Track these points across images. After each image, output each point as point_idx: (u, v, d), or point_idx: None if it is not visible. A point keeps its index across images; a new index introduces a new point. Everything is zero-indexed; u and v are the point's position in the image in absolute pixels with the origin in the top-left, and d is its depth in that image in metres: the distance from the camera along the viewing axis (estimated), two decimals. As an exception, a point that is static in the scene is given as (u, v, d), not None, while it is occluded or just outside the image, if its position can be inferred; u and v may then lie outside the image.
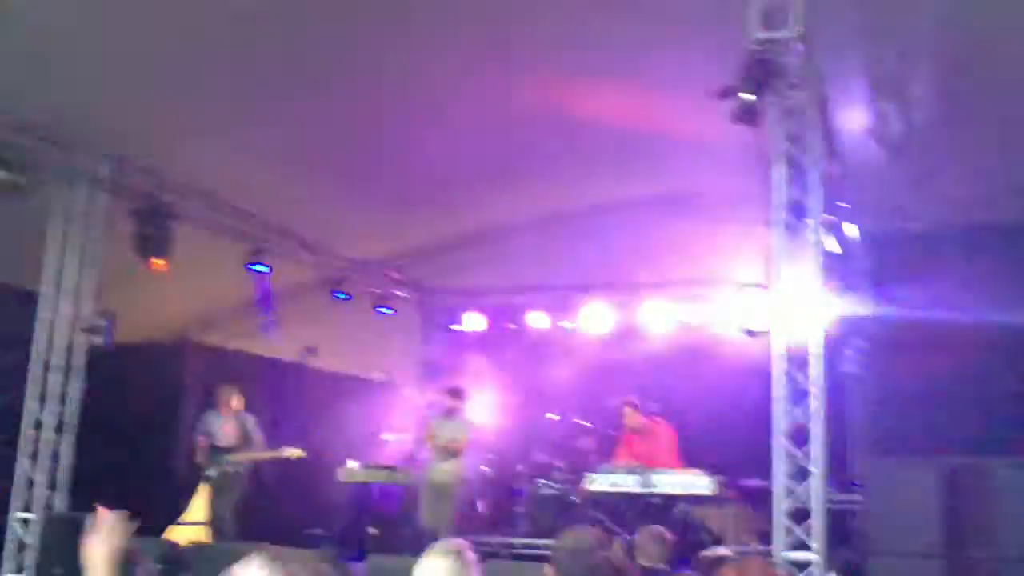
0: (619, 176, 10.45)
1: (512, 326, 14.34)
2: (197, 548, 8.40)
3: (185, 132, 9.01)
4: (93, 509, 8.40)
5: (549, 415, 12.80)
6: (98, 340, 9.40)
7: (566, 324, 13.93)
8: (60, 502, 9.19)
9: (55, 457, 9.23)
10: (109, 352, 9.63)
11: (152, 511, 10.40)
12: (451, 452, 10.69)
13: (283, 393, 13.28)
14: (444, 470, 10.63)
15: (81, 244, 9.38)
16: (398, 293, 14.10)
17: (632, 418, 10.92)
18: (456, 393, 10.96)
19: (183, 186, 9.97)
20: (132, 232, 9.46)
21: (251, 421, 11.00)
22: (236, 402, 11.01)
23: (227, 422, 10.92)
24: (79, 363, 9.43)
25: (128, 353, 11.19)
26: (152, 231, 9.47)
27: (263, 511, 12.69)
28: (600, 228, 11.55)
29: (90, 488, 9.32)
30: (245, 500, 12.46)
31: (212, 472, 10.59)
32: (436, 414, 10.86)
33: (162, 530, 10.52)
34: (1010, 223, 8.28)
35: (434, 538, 9.05)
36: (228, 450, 10.81)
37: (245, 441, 10.87)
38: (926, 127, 7.94)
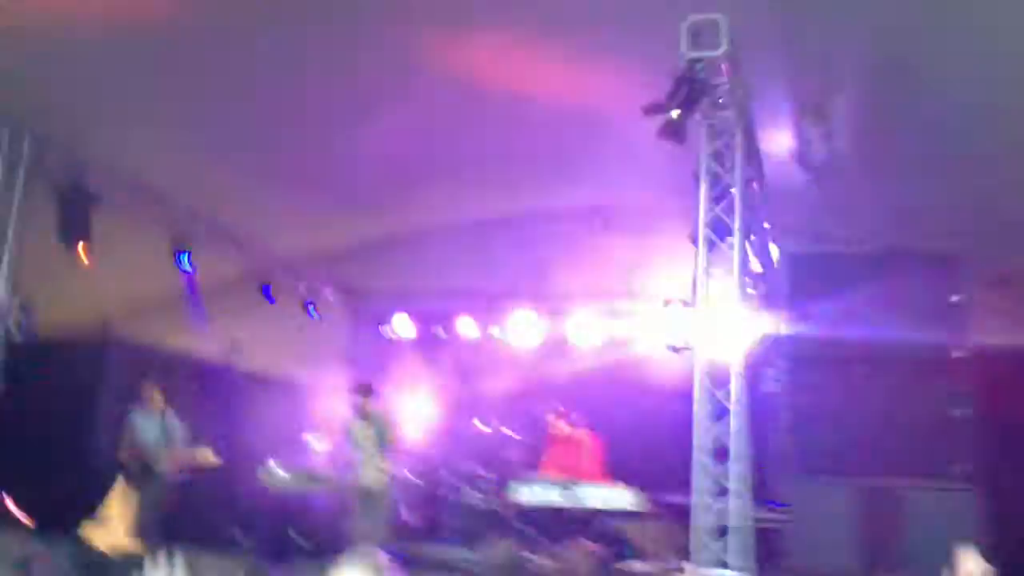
0: (551, 185, 10.51)
1: (441, 331, 14.29)
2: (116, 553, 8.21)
3: (113, 116, 8.78)
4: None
5: (476, 423, 12.77)
6: (16, 332, 9.13)
7: (495, 332, 13.92)
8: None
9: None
10: (27, 345, 9.39)
11: (69, 508, 10.24)
12: (373, 451, 10.43)
13: (206, 391, 13.07)
14: (369, 473, 10.43)
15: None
16: (326, 293, 13.97)
17: (556, 426, 10.93)
18: (364, 390, 10.68)
19: (108, 170, 9.66)
20: (54, 216, 9.16)
21: (174, 421, 10.77)
22: (160, 400, 10.77)
23: (151, 421, 10.68)
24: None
25: (47, 347, 10.94)
26: (73, 215, 9.18)
27: (183, 513, 12.51)
28: (530, 236, 11.58)
29: (5, 484, 9.12)
30: (166, 502, 12.28)
31: (135, 472, 10.34)
32: (352, 415, 10.57)
33: (76, 526, 10.31)
34: (925, 247, 8.49)
35: (361, 544, 9.01)
36: (151, 450, 10.58)
37: (168, 441, 10.64)
38: (846, 152, 8.10)
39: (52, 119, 8.90)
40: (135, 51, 7.89)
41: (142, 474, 10.23)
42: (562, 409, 11.06)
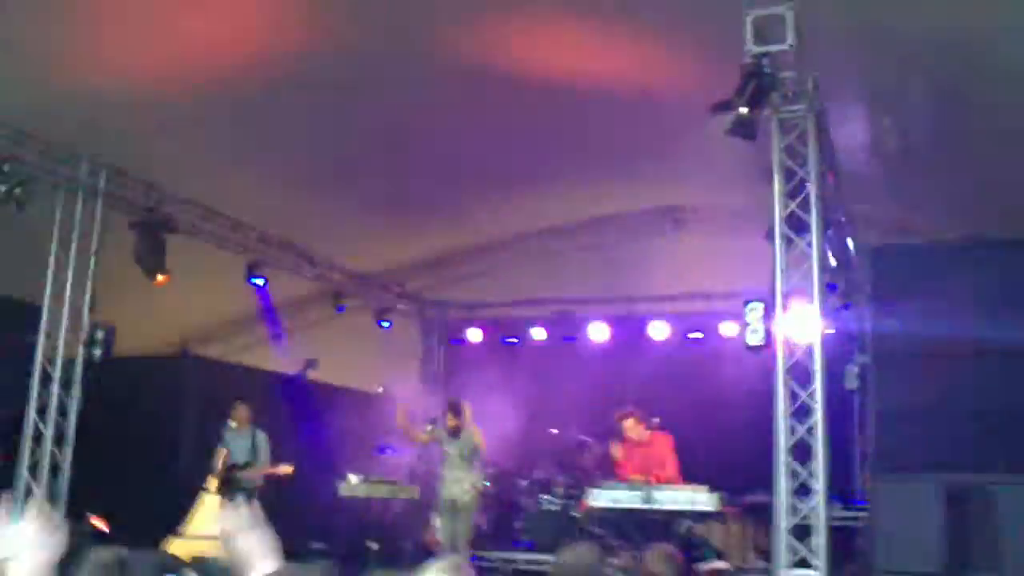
0: (621, 190, 10.45)
1: (513, 340, 14.28)
2: (199, 561, 8.35)
3: (184, 146, 9.02)
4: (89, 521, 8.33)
5: (550, 430, 12.73)
6: (97, 353, 9.37)
7: (567, 338, 13.87)
8: (59, 512, 9.15)
9: (54, 470, 9.21)
10: (109, 365, 9.62)
11: (151, 522, 10.44)
12: (462, 466, 10.59)
13: (282, 406, 13.24)
14: (458, 484, 10.54)
15: (80, 256, 9.36)
16: (399, 306, 14.07)
17: (633, 430, 10.81)
18: (455, 408, 10.85)
19: (181, 198, 10.00)
20: (132, 245, 9.45)
21: (262, 437, 10.98)
22: (247, 417, 11.00)
23: (241, 437, 10.90)
24: (78, 376, 9.40)
25: (127, 366, 11.19)
26: (151, 243, 9.47)
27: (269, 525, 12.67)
28: (601, 242, 11.54)
29: (89, 500, 9.33)
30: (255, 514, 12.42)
31: (226, 485, 10.59)
32: (442, 432, 10.72)
33: (160, 541, 10.50)
34: (1009, 237, 8.24)
35: (442, 553, 9.05)
36: (241, 465, 10.80)
37: (255, 456, 10.84)
38: (924, 141, 7.92)
39: (126, 154, 9.14)
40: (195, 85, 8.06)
41: (232, 487, 10.45)
42: (638, 414, 10.95)
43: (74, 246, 9.35)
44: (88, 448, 9.53)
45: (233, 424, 10.90)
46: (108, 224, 9.49)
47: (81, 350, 9.39)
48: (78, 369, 9.40)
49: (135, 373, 11.62)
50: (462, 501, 10.32)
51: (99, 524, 9.17)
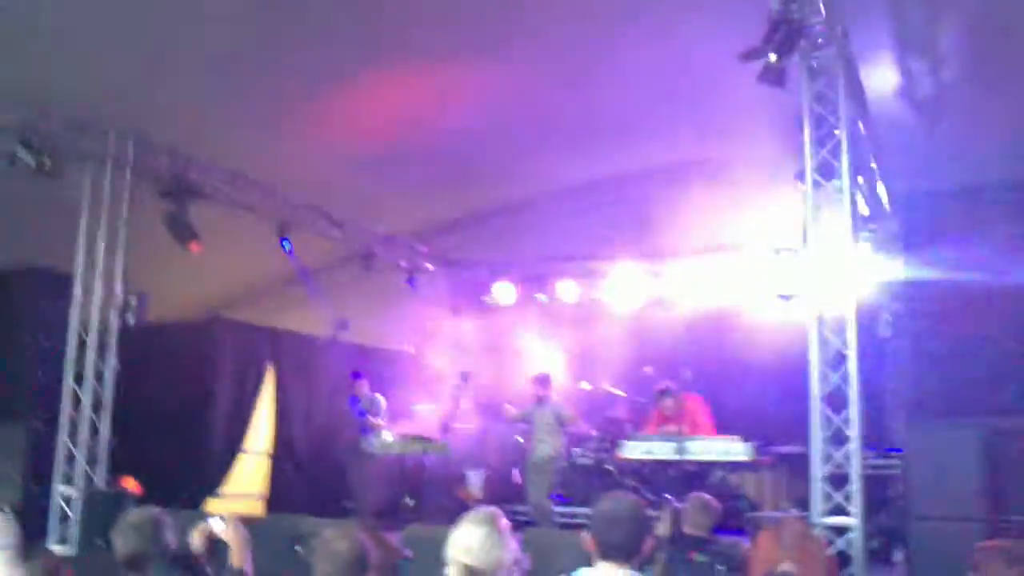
0: (646, 143, 10.36)
1: (542, 297, 14.29)
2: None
3: (209, 111, 9.03)
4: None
5: (581, 384, 12.77)
6: (131, 319, 9.50)
7: (596, 293, 13.86)
8: (99, 476, 9.34)
9: (94, 434, 9.40)
10: (143, 331, 9.73)
11: (188, 485, 10.60)
12: (546, 430, 10.82)
13: (315, 367, 13.35)
14: (546, 452, 10.75)
15: (110, 225, 9.46)
16: (427, 266, 14.10)
17: (669, 408, 10.88)
18: (542, 381, 11.08)
19: (208, 165, 10.04)
20: (162, 212, 9.52)
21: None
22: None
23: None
24: (113, 342, 9.54)
25: (161, 331, 11.32)
26: (179, 210, 9.53)
27: (299, 484, 12.85)
28: (628, 196, 11.47)
29: (128, 463, 9.51)
30: (282, 476, 12.68)
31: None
32: (530, 402, 10.98)
33: (200, 501, 10.67)
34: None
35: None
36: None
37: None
38: (956, 85, 7.80)
39: (153, 122, 9.18)
40: (228, 47, 8.05)
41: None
42: (670, 387, 10.95)
43: (104, 216, 9.46)
44: (126, 413, 9.69)
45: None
46: (137, 192, 9.57)
47: (115, 317, 9.54)
48: (113, 336, 9.56)
49: (168, 339, 11.77)
50: (545, 461, 10.70)
51: (131, 486, 9.34)
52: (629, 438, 10.69)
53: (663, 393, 10.87)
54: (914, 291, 7.68)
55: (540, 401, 10.96)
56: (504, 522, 4.06)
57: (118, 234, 9.51)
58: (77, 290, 9.50)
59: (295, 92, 8.98)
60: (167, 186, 9.60)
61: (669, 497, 9.41)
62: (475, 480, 12.15)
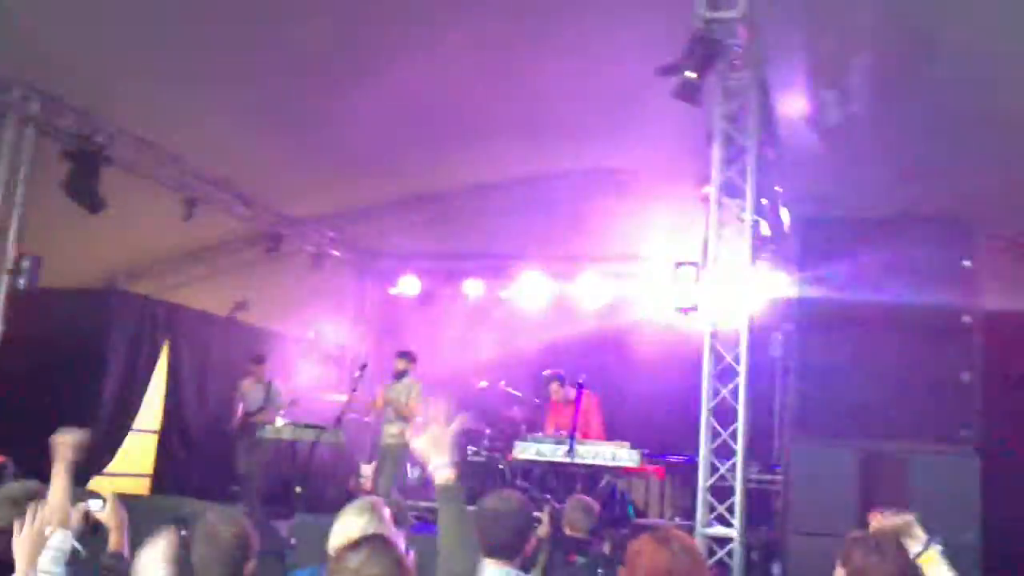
0: (559, 148, 10.47)
1: (448, 292, 14.31)
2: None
3: (121, 73, 8.78)
4: (9, 454, 8.17)
5: (479, 383, 12.82)
6: (22, 282, 9.17)
7: (501, 292, 13.94)
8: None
9: (-27, 400, 9.06)
10: (34, 295, 9.42)
11: (74, 459, 10.30)
12: (400, 415, 10.69)
13: (211, 346, 13.13)
14: (392, 433, 10.65)
15: (8, 184, 9.12)
16: (334, 252, 13.98)
17: (558, 392, 11.00)
18: (405, 356, 11.00)
19: (116, 129, 9.75)
20: (64, 174, 9.24)
21: (279, 388, 11.95)
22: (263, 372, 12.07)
23: (255, 390, 11.91)
24: (0, 305, 9.20)
25: (53, 298, 10.97)
26: (83, 174, 9.26)
27: (187, 465, 12.62)
28: (540, 198, 11.57)
29: (10, 433, 9.16)
30: (169, 456, 12.45)
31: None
32: (388, 379, 10.88)
33: (85, 478, 10.38)
34: (935, 211, 8.49)
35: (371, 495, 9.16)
36: (254, 412, 11.74)
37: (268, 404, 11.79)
38: (860, 116, 8.08)
39: (62, 78, 8.90)
40: (142, 6, 7.87)
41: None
42: (562, 375, 11.09)
43: (3, 172, 9.12)
44: (10, 380, 9.37)
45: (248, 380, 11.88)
46: (40, 152, 9.26)
47: (5, 279, 9.19)
48: (1, 298, 9.21)
49: (61, 306, 11.38)
50: (394, 446, 10.43)
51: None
52: (522, 439, 10.77)
53: (551, 379, 11.00)
54: (804, 312, 7.90)
55: (398, 378, 10.85)
56: (386, 512, 4.09)
57: (16, 192, 9.17)
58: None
59: (215, 66, 8.82)
60: (73, 147, 9.31)
61: (548, 497, 9.54)
62: (367, 471, 12.09)
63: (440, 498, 3.21)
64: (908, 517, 3.67)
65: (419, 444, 3.29)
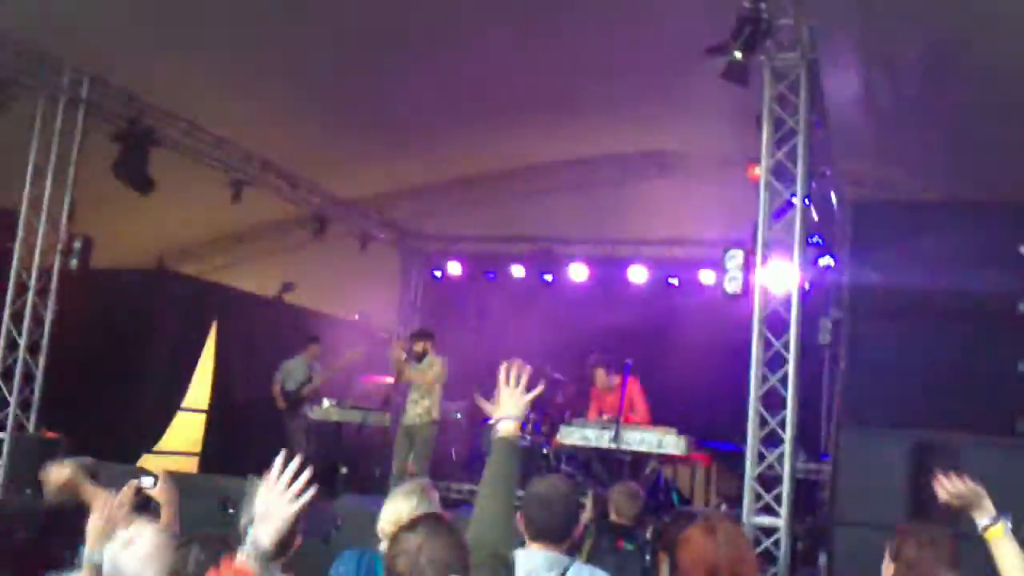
0: (607, 131, 10.39)
1: (492, 275, 14.29)
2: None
3: (170, 57, 8.85)
4: (63, 432, 8.24)
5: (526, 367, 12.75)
6: (74, 263, 9.30)
7: (547, 275, 13.89)
8: (31, 423, 9.16)
9: (28, 378, 9.19)
10: (85, 276, 9.55)
11: (123, 438, 10.46)
12: (420, 391, 10.54)
13: (259, 328, 13.23)
14: (418, 413, 10.54)
15: (59, 165, 9.24)
16: (380, 234, 14.01)
17: (602, 379, 10.90)
18: (422, 335, 10.81)
19: (165, 111, 9.86)
20: (113, 155, 9.33)
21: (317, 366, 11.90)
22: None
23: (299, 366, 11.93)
24: (54, 285, 9.33)
25: (105, 278, 11.12)
26: (132, 155, 9.35)
27: (235, 444, 12.75)
28: (585, 182, 11.50)
29: (62, 411, 9.31)
30: (217, 434, 12.58)
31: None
32: (408, 360, 10.71)
33: (134, 456, 10.54)
34: (991, 196, 8.30)
35: (401, 480, 9.10)
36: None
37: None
38: (912, 100, 7.91)
39: (110, 62, 8.97)
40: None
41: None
42: (606, 363, 10.99)
43: (54, 154, 9.22)
44: (62, 359, 9.50)
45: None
46: (90, 134, 9.37)
47: (58, 259, 9.32)
48: (54, 278, 9.34)
49: (112, 286, 11.55)
50: (418, 426, 10.35)
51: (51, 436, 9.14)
52: (566, 423, 10.72)
53: (597, 364, 10.85)
54: (855, 299, 7.76)
55: (418, 357, 10.53)
56: (434, 494, 4.08)
57: (67, 173, 9.28)
58: (20, 229, 9.28)
59: (263, 50, 8.84)
60: (121, 129, 9.42)
61: (591, 482, 9.48)
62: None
63: (497, 449, 3.20)
64: (978, 487, 3.53)
65: (498, 396, 3.31)
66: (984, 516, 3.47)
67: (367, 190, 12.84)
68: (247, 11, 8.22)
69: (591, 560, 5.83)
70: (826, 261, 8.71)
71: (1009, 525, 3.46)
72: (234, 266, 12.82)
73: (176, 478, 4.49)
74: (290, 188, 11.98)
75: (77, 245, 9.28)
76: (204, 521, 5.34)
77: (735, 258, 7.39)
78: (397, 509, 3.91)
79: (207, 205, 11.26)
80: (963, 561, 3.45)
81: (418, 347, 10.56)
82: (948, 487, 3.53)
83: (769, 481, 7.08)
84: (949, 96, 8.28)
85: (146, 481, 4.33)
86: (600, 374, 10.82)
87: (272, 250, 12.74)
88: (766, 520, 7.01)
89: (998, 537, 3.41)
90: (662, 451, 9.85)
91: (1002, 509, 3.52)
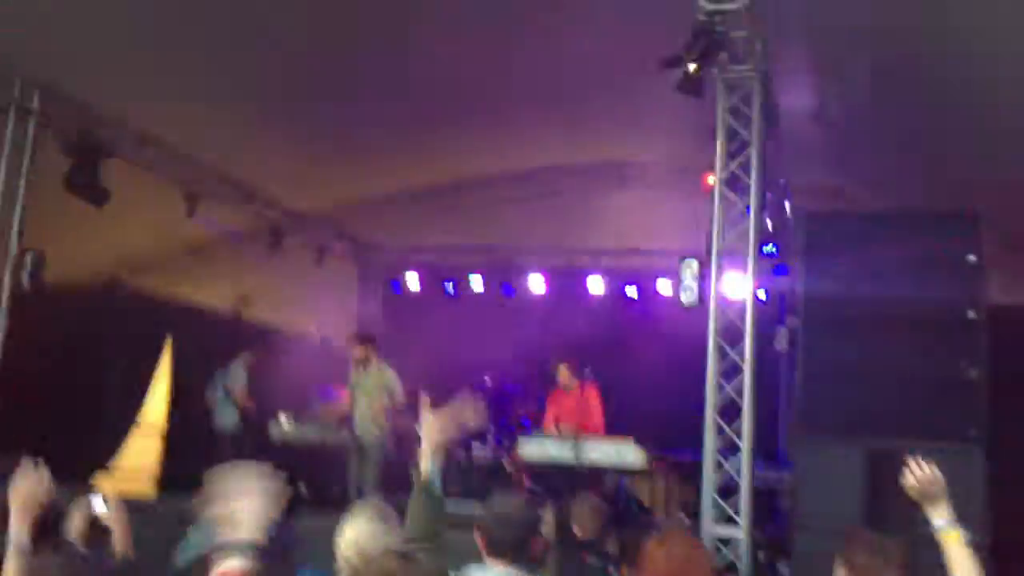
0: (565, 142, 10.43)
1: (450, 286, 14.27)
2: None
3: (122, 67, 8.74)
4: (14, 454, 8.13)
5: (484, 378, 12.74)
6: (25, 279, 9.12)
7: (505, 287, 13.90)
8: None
9: (-23, 398, 8.99)
10: (37, 292, 9.38)
11: (78, 457, 10.28)
12: (368, 399, 10.34)
13: (215, 343, 13.08)
14: (366, 427, 10.39)
15: (9, 179, 9.07)
16: (336, 247, 13.94)
17: (565, 377, 10.86)
18: (364, 340, 10.55)
19: (117, 122, 9.70)
20: (65, 168, 9.18)
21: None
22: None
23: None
24: (4, 303, 9.15)
25: (54, 294, 10.92)
26: (84, 167, 9.20)
27: (192, 463, 12.58)
28: (543, 191, 11.53)
29: (14, 433, 9.11)
30: (173, 453, 12.43)
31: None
32: (353, 368, 10.45)
33: (88, 476, 10.36)
34: (941, 206, 8.42)
35: (360, 497, 9.00)
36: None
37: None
38: (864, 110, 8.03)
39: (62, 71, 8.84)
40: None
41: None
42: (571, 362, 10.99)
43: (3, 167, 9.06)
44: (12, 380, 9.32)
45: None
46: (41, 147, 9.20)
47: (8, 276, 9.14)
48: (5, 294, 9.16)
49: (65, 302, 11.34)
50: (368, 440, 10.17)
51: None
52: (526, 436, 10.70)
53: (561, 361, 10.77)
54: (809, 307, 7.84)
55: (363, 366, 10.15)
56: (390, 512, 4.05)
57: (17, 188, 9.10)
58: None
59: (216, 59, 8.77)
60: (72, 141, 9.26)
61: (550, 498, 9.45)
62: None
63: (415, 494, 3.44)
64: (943, 480, 3.52)
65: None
66: (940, 516, 3.49)
67: (323, 202, 12.76)
68: (200, 21, 8.14)
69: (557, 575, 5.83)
70: (781, 270, 8.80)
71: (967, 536, 3.48)
72: (189, 280, 12.67)
73: (129, 500, 4.41)
74: (246, 200, 11.87)
75: (29, 260, 9.10)
76: (163, 543, 5.27)
77: (690, 267, 7.46)
78: (353, 528, 3.88)
79: (161, 218, 11.12)
80: (914, 567, 3.48)
81: (360, 353, 10.28)
82: (917, 473, 3.53)
83: (728, 490, 7.12)
84: (899, 108, 8.41)
85: (97, 503, 4.25)
86: (564, 371, 10.76)
87: (229, 263, 12.60)
88: (726, 530, 7.04)
89: (954, 541, 3.43)
90: (622, 464, 9.87)
91: (954, 514, 3.55)
